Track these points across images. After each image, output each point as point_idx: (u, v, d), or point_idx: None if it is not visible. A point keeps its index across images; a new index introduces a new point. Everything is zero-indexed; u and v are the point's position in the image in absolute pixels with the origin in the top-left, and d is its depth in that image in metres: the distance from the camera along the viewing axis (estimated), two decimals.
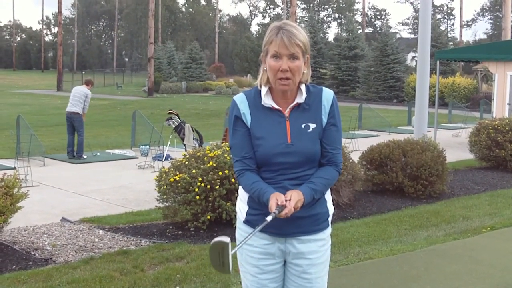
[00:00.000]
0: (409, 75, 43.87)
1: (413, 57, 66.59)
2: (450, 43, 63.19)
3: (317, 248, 3.33)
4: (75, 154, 15.08)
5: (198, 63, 59.00)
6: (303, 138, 3.19)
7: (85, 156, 15.18)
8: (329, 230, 3.41)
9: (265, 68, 3.19)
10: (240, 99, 3.28)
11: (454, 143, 18.52)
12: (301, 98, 3.20)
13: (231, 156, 7.73)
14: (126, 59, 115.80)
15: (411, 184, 10.52)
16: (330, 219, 3.42)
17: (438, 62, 20.01)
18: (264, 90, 3.21)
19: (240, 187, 3.38)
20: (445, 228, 8.53)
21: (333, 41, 66.53)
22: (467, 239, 7.87)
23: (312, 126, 3.21)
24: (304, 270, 3.32)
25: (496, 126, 13.85)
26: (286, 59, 3.09)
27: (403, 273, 6.42)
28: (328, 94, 3.26)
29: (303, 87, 3.21)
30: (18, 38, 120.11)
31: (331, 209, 3.41)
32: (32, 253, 7.19)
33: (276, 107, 3.21)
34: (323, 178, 3.22)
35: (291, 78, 3.12)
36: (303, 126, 3.20)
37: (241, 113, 3.24)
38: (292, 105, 3.21)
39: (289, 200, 3.05)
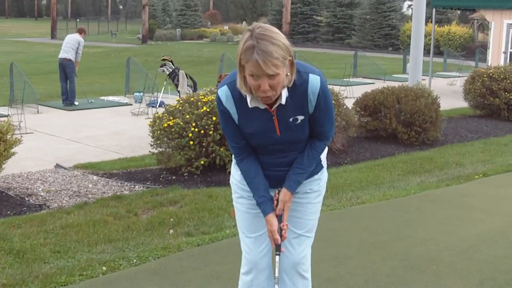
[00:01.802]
0: (405, 23, 43.69)
1: (409, 6, 66.03)
2: None
3: (311, 186, 3.43)
4: (67, 101, 15.03)
5: (192, 10, 58.42)
6: (292, 130, 3.19)
7: (76, 103, 15.13)
8: (323, 170, 3.48)
9: (244, 75, 2.99)
10: (225, 96, 3.15)
11: (449, 92, 18.48)
12: (282, 100, 3.06)
13: None
14: (121, 7, 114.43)
15: (404, 130, 10.53)
16: (324, 161, 3.47)
17: (434, 10, 19.86)
18: (249, 98, 3.07)
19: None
20: (438, 174, 8.58)
21: None
22: (459, 185, 7.92)
23: (300, 118, 3.16)
24: (295, 195, 3.39)
25: (491, 74, 13.81)
26: (266, 78, 2.91)
27: (395, 217, 6.47)
28: (314, 86, 3.09)
29: (284, 92, 3.04)
30: None
31: (323, 154, 3.45)
32: (27, 198, 7.22)
33: (262, 107, 3.11)
34: (309, 160, 3.29)
35: (272, 94, 3.00)
36: (291, 120, 3.15)
37: (227, 110, 3.17)
38: (275, 105, 3.11)
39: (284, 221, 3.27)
